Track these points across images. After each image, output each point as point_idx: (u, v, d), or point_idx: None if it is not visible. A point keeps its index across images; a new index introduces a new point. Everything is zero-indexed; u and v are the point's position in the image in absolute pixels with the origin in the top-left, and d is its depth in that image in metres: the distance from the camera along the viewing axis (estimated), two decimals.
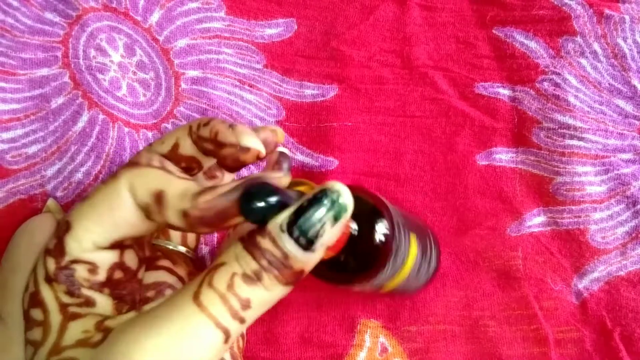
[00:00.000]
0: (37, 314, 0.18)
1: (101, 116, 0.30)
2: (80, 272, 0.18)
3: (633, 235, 0.31)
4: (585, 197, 0.31)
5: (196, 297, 0.16)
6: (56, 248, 0.18)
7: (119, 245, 0.18)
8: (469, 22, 0.34)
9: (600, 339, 0.29)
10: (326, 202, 0.16)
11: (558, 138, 0.32)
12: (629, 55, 0.33)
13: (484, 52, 0.33)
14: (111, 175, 0.18)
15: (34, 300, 0.18)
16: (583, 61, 0.33)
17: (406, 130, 0.32)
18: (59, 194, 0.29)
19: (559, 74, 0.33)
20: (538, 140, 0.32)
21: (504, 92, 0.33)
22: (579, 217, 0.31)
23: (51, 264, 0.18)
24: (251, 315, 0.16)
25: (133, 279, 0.19)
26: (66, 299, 0.17)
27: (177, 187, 0.17)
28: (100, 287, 0.18)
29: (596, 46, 0.33)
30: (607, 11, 0.33)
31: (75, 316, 0.17)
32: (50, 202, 0.27)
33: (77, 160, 0.29)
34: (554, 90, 0.33)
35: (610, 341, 0.29)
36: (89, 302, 0.18)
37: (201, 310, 0.15)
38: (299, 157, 0.31)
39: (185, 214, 0.17)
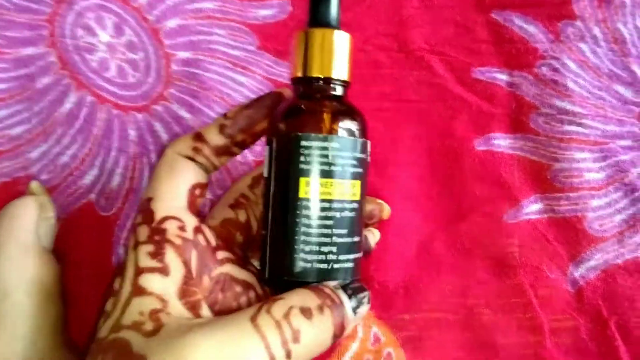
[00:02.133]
0: (116, 283, 0.19)
1: (89, 98, 0.29)
2: (172, 229, 0.19)
3: (631, 223, 0.30)
4: (583, 184, 0.30)
5: (254, 319, 0.17)
6: (145, 217, 0.20)
7: (197, 212, 0.21)
8: (467, 5, 0.33)
9: (596, 327, 0.29)
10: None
11: (556, 124, 0.31)
12: (629, 40, 0.32)
13: (481, 36, 0.33)
14: (161, 152, 0.23)
15: (118, 268, 0.20)
16: (583, 46, 0.32)
17: (402, 115, 0.31)
18: (44, 177, 0.28)
19: (558, 58, 0.32)
20: (536, 126, 0.31)
21: (502, 77, 0.32)
22: (577, 204, 0.30)
23: (143, 230, 0.20)
24: (297, 352, 0.17)
25: (211, 257, 0.21)
26: (145, 262, 0.19)
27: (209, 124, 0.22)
28: (184, 250, 0.19)
29: (596, 30, 0.32)
30: None
31: (141, 291, 0.18)
32: (34, 184, 0.26)
33: (64, 142, 0.29)
34: (553, 75, 0.32)
35: (606, 330, 0.29)
36: (164, 271, 0.19)
37: (256, 330, 0.17)
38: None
39: (222, 127, 0.21)
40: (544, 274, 0.29)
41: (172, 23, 0.31)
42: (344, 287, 0.20)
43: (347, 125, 0.21)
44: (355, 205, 0.21)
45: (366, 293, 0.20)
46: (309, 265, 0.20)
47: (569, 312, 0.29)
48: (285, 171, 0.20)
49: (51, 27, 0.29)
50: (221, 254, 0.21)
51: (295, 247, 0.20)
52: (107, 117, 0.29)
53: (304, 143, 0.20)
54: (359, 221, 0.21)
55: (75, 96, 0.29)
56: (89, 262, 0.27)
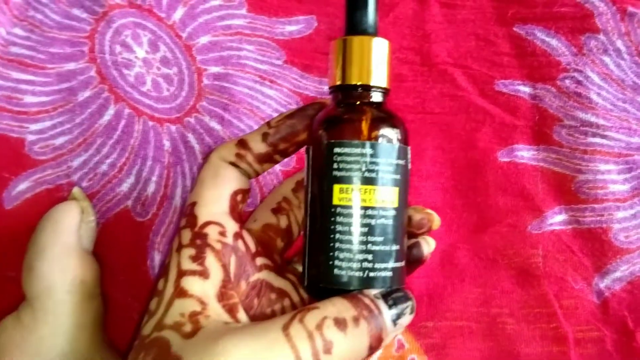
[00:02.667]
0: (160, 283, 0.20)
1: (127, 110, 0.30)
2: (213, 234, 0.20)
3: None
4: (608, 196, 0.30)
5: (285, 328, 0.17)
6: (188, 221, 0.21)
7: (238, 218, 0.22)
8: (489, 19, 0.34)
9: (622, 339, 0.29)
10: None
11: (580, 136, 0.31)
12: None
13: (504, 49, 0.33)
14: (204, 158, 0.23)
15: (162, 270, 0.20)
16: (606, 59, 0.32)
17: (426, 127, 0.32)
18: (84, 184, 0.29)
19: (581, 71, 0.32)
20: (559, 138, 0.32)
21: (525, 89, 0.33)
22: (602, 215, 0.30)
23: (186, 234, 0.20)
24: None
25: (250, 263, 0.21)
26: (187, 265, 0.19)
27: (252, 132, 0.22)
28: (224, 255, 0.20)
29: (619, 44, 0.33)
30: (630, 9, 0.33)
31: (182, 293, 0.19)
32: (76, 190, 0.28)
33: (103, 152, 0.30)
34: (576, 87, 0.32)
35: (632, 342, 0.29)
36: (204, 274, 0.19)
37: (287, 339, 0.17)
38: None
39: (264, 135, 0.22)
40: (568, 285, 0.29)
41: (203, 39, 0.32)
42: (385, 296, 0.19)
43: (384, 131, 0.21)
44: (393, 212, 0.20)
45: (409, 303, 0.19)
46: (343, 272, 0.20)
47: (593, 322, 0.29)
48: (320, 178, 0.21)
49: (91, 43, 0.31)
50: (260, 260, 0.22)
51: (330, 254, 0.20)
52: (143, 129, 0.30)
53: (337, 150, 0.20)
54: (398, 229, 0.20)
55: (114, 109, 0.30)
56: (124, 266, 0.29)
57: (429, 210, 0.23)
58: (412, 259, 0.22)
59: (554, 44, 0.33)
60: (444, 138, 0.32)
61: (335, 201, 0.20)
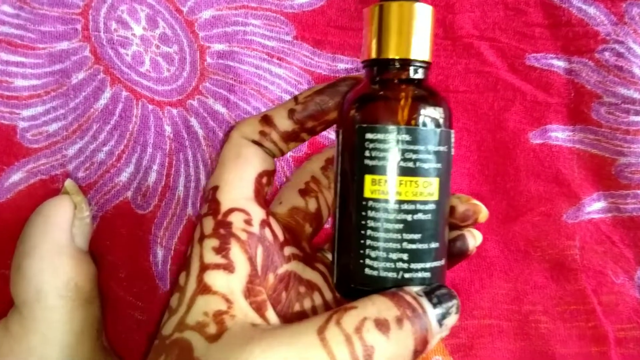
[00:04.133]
0: (182, 278, 0.18)
1: (124, 93, 0.28)
2: (237, 222, 0.18)
3: None
4: None
5: (321, 332, 0.16)
6: (210, 207, 0.19)
7: (264, 203, 0.20)
8: None
9: None
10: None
11: (621, 114, 0.28)
12: None
13: (535, 19, 0.30)
14: (224, 137, 0.21)
15: (183, 263, 0.19)
16: None
17: (450, 107, 0.29)
18: (80, 174, 0.27)
19: (622, 42, 0.29)
20: (598, 116, 0.29)
21: (559, 63, 0.30)
22: None
23: (209, 223, 0.18)
24: None
25: (278, 253, 0.19)
26: (210, 258, 0.18)
27: (277, 107, 0.20)
28: (250, 245, 0.18)
29: None
30: None
31: (206, 289, 0.17)
32: (68, 183, 0.26)
33: (100, 139, 0.28)
34: (616, 60, 0.29)
35: None
36: (229, 267, 0.17)
37: (323, 345, 0.15)
38: (333, 137, 0.29)
39: (291, 111, 0.20)
40: (608, 279, 0.27)
41: (206, 14, 0.29)
42: (429, 294, 0.17)
43: (425, 113, 0.18)
44: (432, 206, 0.18)
45: (455, 301, 0.18)
46: (375, 273, 0.18)
47: (636, 320, 0.27)
48: (350, 166, 0.19)
49: (84, 20, 0.28)
50: (288, 250, 0.20)
51: (361, 252, 0.18)
52: (142, 113, 0.28)
53: (369, 135, 0.18)
54: (439, 225, 0.18)
55: (110, 92, 0.28)
56: (125, 262, 0.27)
57: (475, 201, 0.21)
58: (454, 252, 0.20)
59: (592, 12, 0.30)
60: (470, 118, 0.29)
61: (367, 193, 0.18)
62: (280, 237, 0.20)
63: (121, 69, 0.28)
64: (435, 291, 0.17)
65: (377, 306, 0.16)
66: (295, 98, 0.20)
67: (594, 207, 0.28)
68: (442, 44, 0.30)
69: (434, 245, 0.18)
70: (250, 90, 0.29)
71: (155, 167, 0.28)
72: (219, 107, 0.29)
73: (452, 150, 0.19)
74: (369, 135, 0.18)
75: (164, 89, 0.29)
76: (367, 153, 0.18)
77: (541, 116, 0.29)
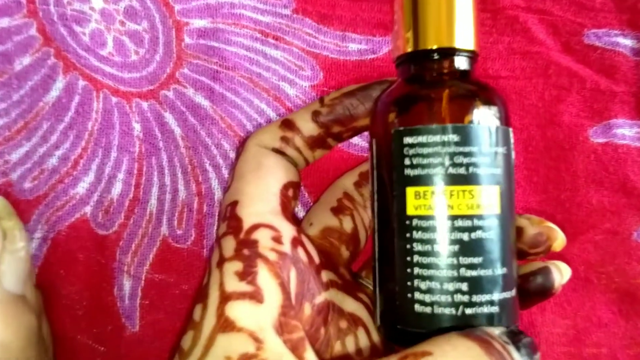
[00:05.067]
0: (196, 312, 0.16)
1: (81, 82, 0.23)
2: (264, 240, 0.16)
3: None
4: None
5: None
6: (230, 225, 0.17)
7: (293, 219, 0.18)
8: None
9: None
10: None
11: None
12: None
13: None
14: (239, 148, 0.20)
15: (200, 292, 0.16)
16: None
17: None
18: (26, 185, 0.22)
19: None
20: None
21: (626, 42, 0.24)
22: None
23: (229, 243, 0.16)
24: None
25: (315, 278, 0.17)
26: (233, 285, 0.15)
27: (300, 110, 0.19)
28: (281, 268, 0.16)
29: None
30: None
31: (228, 325, 0.14)
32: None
33: (51, 141, 0.22)
34: None
35: None
36: (256, 296, 0.15)
37: None
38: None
39: (316, 113, 0.19)
40: None
41: None
42: (512, 339, 0.15)
43: (476, 109, 0.16)
44: (494, 221, 0.15)
45: (539, 354, 0.15)
46: (428, 309, 0.15)
47: None
48: (388, 179, 0.16)
49: None
50: (326, 275, 0.17)
51: (408, 284, 0.15)
52: (104, 107, 0.23)
53: (408, 140, 0.15)
54: (505, 245, 0.15)
55: (64, 81, 0.22)
56: (83, 297, 0.21)
57: (550, 224, 0.18)
58: (532, 290, 0.17)
59: None
60: (514, 112, 0.24)
61: (411, 210, 0.16)
62: (316, 259, 0.17)
63: (77, 52, 0.22)
64: (518, 338, 0.15)
65: (460, 352, 0.14)
66: (321, 99, 0.19)
67: None
68: (480, 18, 0.24)
69: (500, 270, 0.15)
70: (239, 78, 0.23)
71: (120, 176, 0.22)
72: (200, 100, 0.23)
73: (513, 152, 0.17)
74: (407, 140, 0.16)
75: (132, 76, 0.23)
76: (407, 161, 0.16)
77: (604, 108, 0.23)
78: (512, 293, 0.16)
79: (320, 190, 0.23)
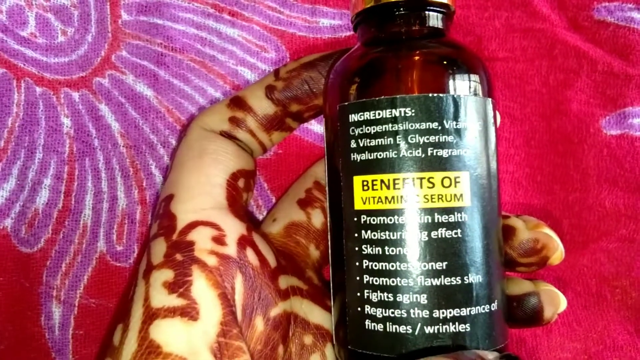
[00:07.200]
0: (116, 335, 0.13)
1: None
2: (202, 241, 0.14)
3: None
4: None
5: None
6: (161, 225, 0.14)
7: (243, 214, 0.15)
8: None
9: None
10: None
11: None
12: None
13: None
14: (182, 132, 0.18)
15: (121, 309, 0.14)
16: None
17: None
18: None
19: None
20: None
21: None
22: None
23: (159, 247, 0.14)
24: None
25: (268, 285, 0.15)
26: (160, 300, 0.13)
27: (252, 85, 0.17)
28: (223, 275, 0.13)
29: None
30: None
31: (153, 351, 0.12)
32: None
33: None
34: None
35: None
36: (189, 312, 0.13)
37: None
38: (315, 127, 0.20)
39: (270, 88, 0.16)
40: None
41: None
42: None
43: (445, 78, 0.13)
44: (462, 216, 0.13)
45: None
46: (380, 327, 0.12)
47: None
48: (335, 167, 0.14)
49: None
50: (285, 281, 0.15)
51: (358, 294, 0.13)
52: (27, 99, 0.19)
53: (354, 117, 0.13)
54: (479, 246, 0.13)
55: None
56: (5, 328, 0.18)
57: (548, 230, 0.15)
58: (522, 314, 0.15)
59: None
60: (514, 99, 0.21)
61: (359, 204, 0.13)
62: (272, 262, 0.15)
63: None
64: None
65: None
66: (276, 72, 0.16)
67: None
68: None
69: (472, 279, 0.12)
70: (188, 62, 0.19)
71: (47, 182, 0.19)
72: (142, 88, 0.19)
73: (493, 128, 0.14)
74: (353, 117, 0.13)
75: (59, 61, 0.19)
76: (352, 144, 0.13)
77: (618, 94, 0.20)
78: (492, 307, 0.13)
79: (286, 183, 0.19)
